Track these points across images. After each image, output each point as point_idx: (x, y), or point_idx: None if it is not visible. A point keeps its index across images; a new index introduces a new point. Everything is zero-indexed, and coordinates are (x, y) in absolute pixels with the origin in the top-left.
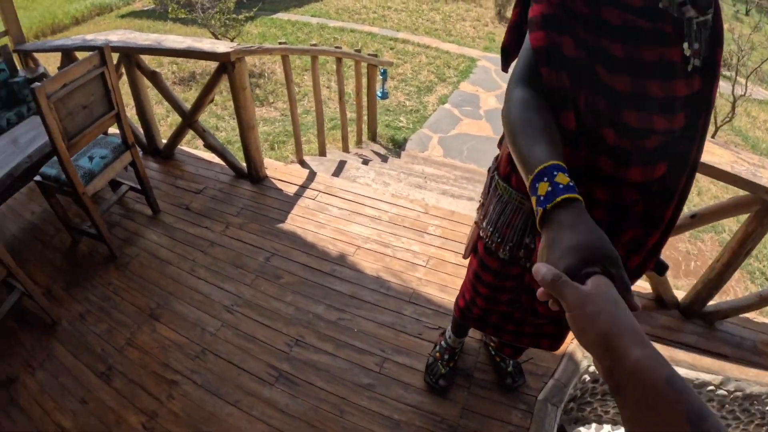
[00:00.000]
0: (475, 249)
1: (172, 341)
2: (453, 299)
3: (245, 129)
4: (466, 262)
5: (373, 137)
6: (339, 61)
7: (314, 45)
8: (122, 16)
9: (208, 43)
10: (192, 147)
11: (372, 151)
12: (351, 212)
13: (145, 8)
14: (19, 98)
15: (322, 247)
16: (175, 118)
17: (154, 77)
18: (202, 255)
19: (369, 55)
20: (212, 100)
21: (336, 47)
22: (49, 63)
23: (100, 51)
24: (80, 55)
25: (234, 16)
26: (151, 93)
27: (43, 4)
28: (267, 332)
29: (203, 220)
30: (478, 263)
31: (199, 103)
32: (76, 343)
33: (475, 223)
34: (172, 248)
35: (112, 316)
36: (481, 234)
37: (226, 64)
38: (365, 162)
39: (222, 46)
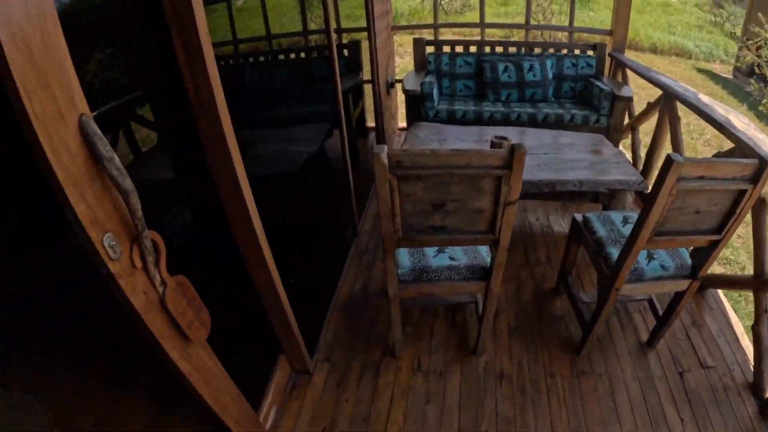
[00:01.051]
0: None
1: None
2: None
3: None
4: None
5: None
6: None
7: None
8: (699, 70)
9: None
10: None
11: None
12: None
13: (723, 74)
14: (584, 100)
15: None
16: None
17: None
18: None
19: None
20: None
21: None
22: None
23: (762, 164)
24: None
25: None
26: None
27: (640, 20)
28: None
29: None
30: None
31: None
32: (474, 402)
33: None
34: (633, 402)
35: (536, 410)
36: None
37: None
38: None
39: None
